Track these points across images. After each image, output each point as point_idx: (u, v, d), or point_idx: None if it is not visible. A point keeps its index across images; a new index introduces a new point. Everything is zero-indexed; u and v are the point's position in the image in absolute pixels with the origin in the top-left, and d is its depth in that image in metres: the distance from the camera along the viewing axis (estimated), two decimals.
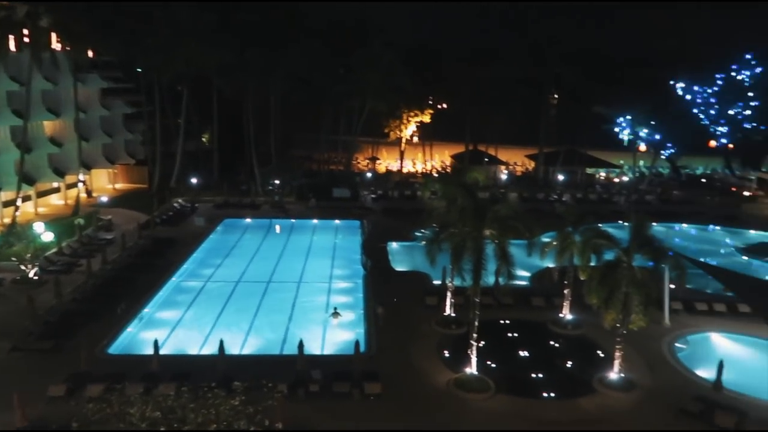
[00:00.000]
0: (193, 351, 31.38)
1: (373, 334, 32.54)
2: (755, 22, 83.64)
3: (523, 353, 31.26)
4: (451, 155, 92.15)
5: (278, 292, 40.02)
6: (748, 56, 79.87)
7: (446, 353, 30.74)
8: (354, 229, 56.06)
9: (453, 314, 34.53)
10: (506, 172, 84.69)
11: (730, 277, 37.02)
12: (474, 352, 27.88)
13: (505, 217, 28.57)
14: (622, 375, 27.92)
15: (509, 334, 33.49)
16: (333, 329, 34.38)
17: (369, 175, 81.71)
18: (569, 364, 30.29)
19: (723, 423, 24.56)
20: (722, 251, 52.59)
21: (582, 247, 31.06)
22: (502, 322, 34.76)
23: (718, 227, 60.09)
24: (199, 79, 68.59)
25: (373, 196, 69.53)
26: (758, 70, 79.58)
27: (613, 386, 27.62)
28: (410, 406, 25.91)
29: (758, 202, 72.03)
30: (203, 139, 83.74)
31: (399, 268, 45.17)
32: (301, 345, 29.30)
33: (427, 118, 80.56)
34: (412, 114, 79.18)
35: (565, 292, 34.54)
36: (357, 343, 29.44)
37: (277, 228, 56.68)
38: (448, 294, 34.70)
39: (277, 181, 69.78)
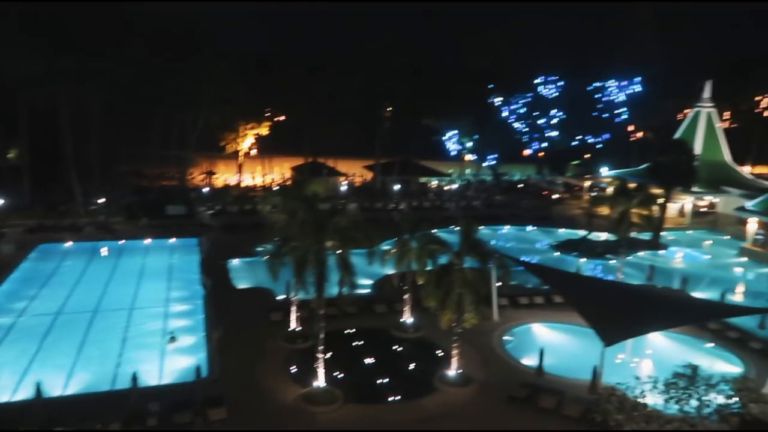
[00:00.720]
0: (2, 399, 27.44)
1: (216, 356, 31.14)
2: (557, 45, 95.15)
3: (369, 360, 31.99)
4: (291, 168, 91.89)
5: (107, 322, 36.58)
6: (551, 75, 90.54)
7: (293, 369, 30.40)
8: (191, 248, 53.33)
9: (299, 328, 34.28)
10: (346, 183, 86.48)
11: (546, 271, 41.30)
12: (321, 364, 27.92)
13: (345, 228, 29.06)
14: (460, 371, 29.80)
15: (355, 343, 34.06)
16: (171, 356, 32.25)
17: (206, 190, 78.41)
18: (412, 366, 31.60)
19: (546, 404, 27.29)
20: (538, 248, 58.60)
21: (419, 253, 32.74)
22: (347, 331, 35.23)
23: (534, 227, 66.93)
24: (2, 87, 60.65)
25: (210, 211, 66.78)
26: (560, 87, 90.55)
27: (452, 383, 29.37)
28: (258, 426, 25.18)
29: (564, 203, 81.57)
30: (9, 156, 74.14)
31: (241, 286, 43.83)
32: (135, 377, 27.08)
33: (265, 131, 79.60)
34: (249, 126, 77.69)
35: (406, 297, 36.06)
36: (198, 369, 27.97)
37: (104, 251, 51.98)
38: (293, 308, 34.41)
39: (101, 200, 64.04)
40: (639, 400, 22.23)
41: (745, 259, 56.46)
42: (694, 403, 21.74)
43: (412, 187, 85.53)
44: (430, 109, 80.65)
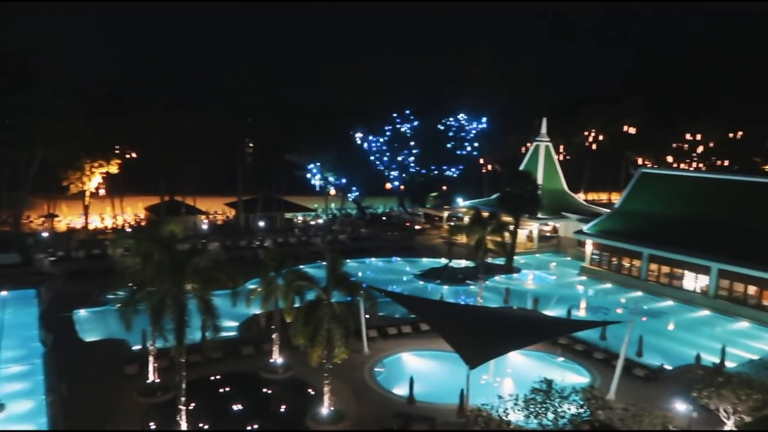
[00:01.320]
0: None
1: (60, 421, 27.74)
2: (412, 84, 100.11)
3: (238, 406, 30.37)
4: (146, 208, 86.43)
5: None
6: (407, 112, 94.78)
7: (152, 425, 27.95)
8: (29, 300, 47.69)
9: (158, 380, 31.75)
10: (207, 221, 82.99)
11: (411, 301, 42.37)
12: (183, 417, 26.00)
13: (206, 268, 27.72)
14: (332, 408, 29.30)
15: (221, 390, 32.24)
16: (2, 427, 28.21)
17: (45, 234, 70.88)
18: (283, 408, 30.54)
19: None
20: (404, 278, 60.10)
21: (285, 290, 31.99)
22: (212, 378, 33.32)
23: (399, 258, 68.72)
24: None
25: (52, 258, 60.32)
26: (416, 123, 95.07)
27: (325, 421, 28.77)
28: None
29: (426, 233, 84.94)
30: None
31: (90, 338, 39.82)
32: None
33: (114, 169, 74.10)
34: (96, 165, 71.91)
35: (274, 336, 35.00)
36: None
37: None
38: (151, 359, 31.85)
39: None
40: (503, 418, 23.28)
41: (584, 277, 62.41)
42: (550, 415, 23.20)
43: (278, 223, 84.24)
44: (292, 145, 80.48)
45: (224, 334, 31.43)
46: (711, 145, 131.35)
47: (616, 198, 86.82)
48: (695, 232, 55.83)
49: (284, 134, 78.52)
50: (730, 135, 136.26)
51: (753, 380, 28.55)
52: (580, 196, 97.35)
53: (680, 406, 28.40)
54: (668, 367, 36.68)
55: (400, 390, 32.32)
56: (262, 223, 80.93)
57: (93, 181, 73.01)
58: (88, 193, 73.95)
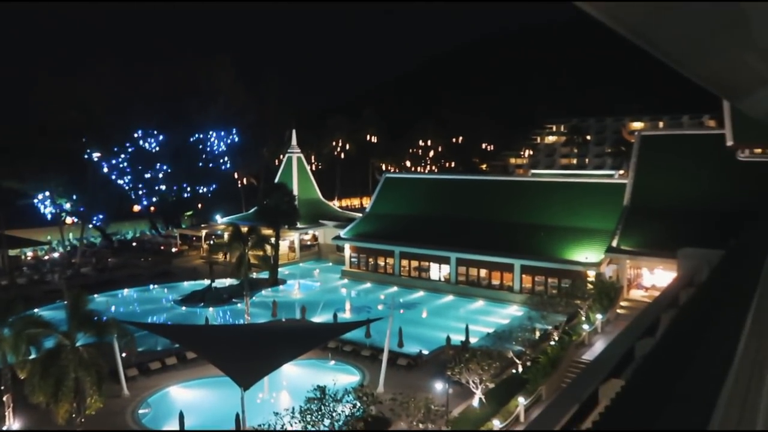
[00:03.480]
0: None
1: None
2: (151, 93, 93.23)
3: None
4: None
5: None
6: (150, 128, 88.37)
7: None
8: None
9: None
10: None
11: (174, 329, 39.56)
12: None
13: None
14: None
15: None
16: None
17: None
18: None
19: None
20: (164, 306, 55.85)
21: (14, 341, 27.14)
22: None
23: (156, 285, 63.63)
24: None
25: None
26: (160, 138, 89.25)
27: None
28: None
29: (185, 255, 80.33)
30: None
31: None
32: None
33: None
34: None
35: (5, 398, 29.38)
36: None
37: None
38: None
39: None
40: None
41: (346, 280, 65.54)
42: (327, 421, 23.72)
43: (1, 262, 71.14)
44: (7, 170, 68.78)
45: None
46: (440, 149, 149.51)
47: (367, 202, 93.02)
48: (436, 227, 62.75)
49: None
50: (453, 140, 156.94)
51: (492, 351, 33.13)
52: (335, 203, 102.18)
53: (438, 386, 31.50)
54: (425, 352, 40.43)
55: (171, 428, 29.87)
56: None
57: None
58: None
